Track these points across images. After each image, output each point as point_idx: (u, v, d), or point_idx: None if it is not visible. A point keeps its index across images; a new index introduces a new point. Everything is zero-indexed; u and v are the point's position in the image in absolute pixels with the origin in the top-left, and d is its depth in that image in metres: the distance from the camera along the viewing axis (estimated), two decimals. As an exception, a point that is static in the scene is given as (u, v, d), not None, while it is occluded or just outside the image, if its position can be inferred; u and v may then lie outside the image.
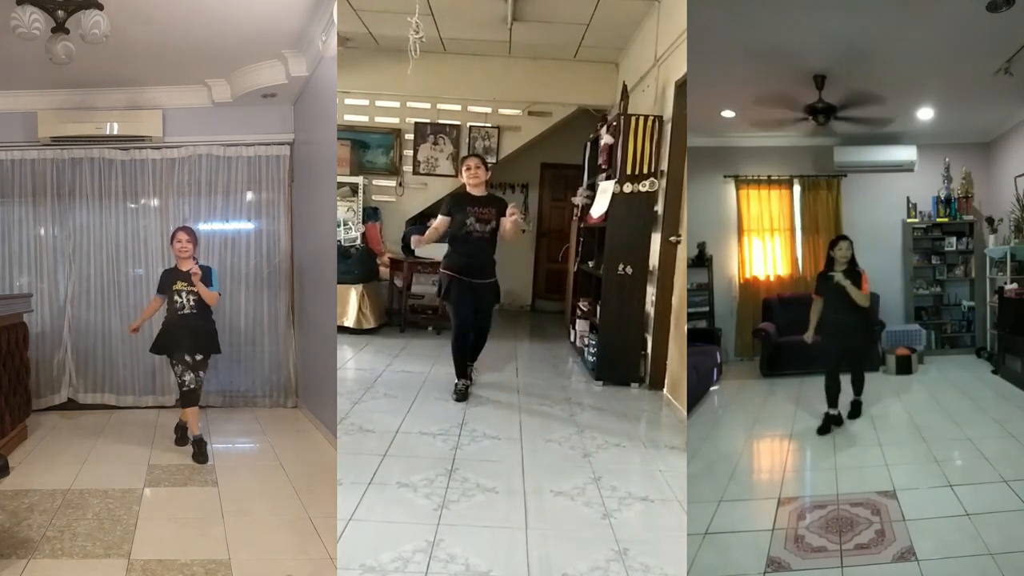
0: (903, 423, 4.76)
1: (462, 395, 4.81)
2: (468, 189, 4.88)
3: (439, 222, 4.80)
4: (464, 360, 4.94)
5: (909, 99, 6.15)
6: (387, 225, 7.68)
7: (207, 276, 4.49)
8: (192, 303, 4.47)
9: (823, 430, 4.54)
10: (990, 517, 3.04)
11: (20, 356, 4.86)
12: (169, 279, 4.55)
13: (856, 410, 4.83)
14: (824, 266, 4.80)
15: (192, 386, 4.47)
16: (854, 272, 4.59)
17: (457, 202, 4.84)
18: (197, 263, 4.52)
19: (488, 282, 4.88)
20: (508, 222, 4.72)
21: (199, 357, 4.50)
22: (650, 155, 5.27)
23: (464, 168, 4.89)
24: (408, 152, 7.86)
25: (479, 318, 4.92)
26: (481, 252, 4.80)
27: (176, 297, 4.50)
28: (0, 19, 3.61)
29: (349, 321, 6.86)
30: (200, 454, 4.36)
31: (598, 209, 5.62)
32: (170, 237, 4.69)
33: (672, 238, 5.20)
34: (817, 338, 4.75)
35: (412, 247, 4.93)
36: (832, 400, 4.62)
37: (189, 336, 4.49)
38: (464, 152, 7.65)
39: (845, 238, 4.72)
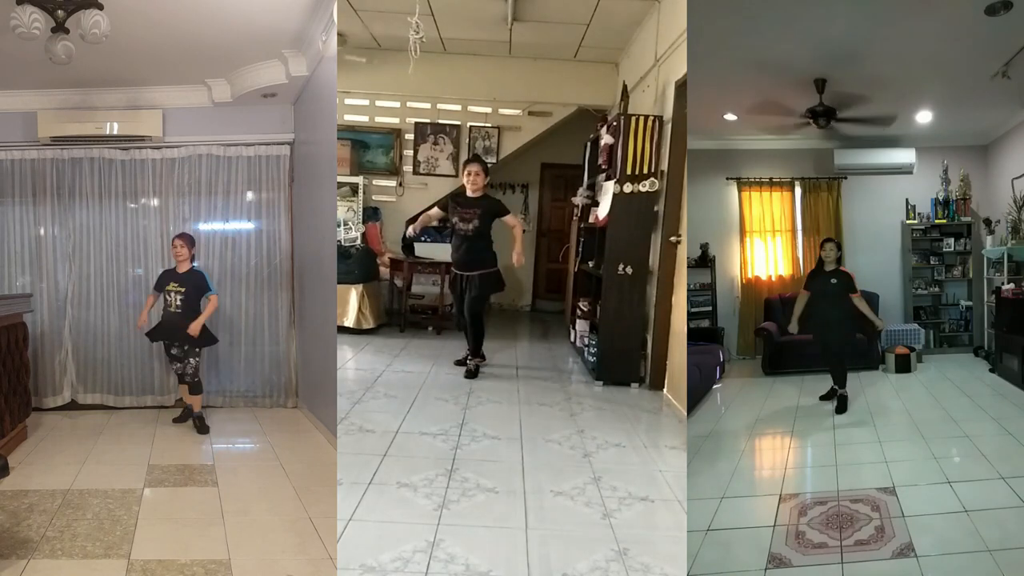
0: (902, 421, 4.78)
1: (471, 373, 5.41)
2: (467, 192, 5.47)
3: (432, 211, 5.68)
4: (467, 338, 5.61)
5: (908, 102, 6.17)
6: (387, 225, 7.69)
7: (201, 281, 5.12)
8: (179, 303, 5.10)
9: (829, 396, 5.25)
10: (988, 513, 3.05)
11: (20, 356, 4.85)
12: (164, 279, 5.21)
13: (842, 404, 5.07)
14: (816, 265, 5.39)
15: (191, 373, 5.13)
16: (842, 273, 5.18)
17: (452, 201, 5.51)
18: (194, 266, 5.20)
19: (475, 273, 5.43)
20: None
21: (186, 347, 5.11)
22: (650, 155, 5.27)
23: (465, 173, 5.48)
24: (408, 152, 7.86)
25: (469, 303, 5.49)
26: (468, 247, 5.40)
27: (167, 296, 5.15)
28: (0, 19, 3.62)
29: (349, 321, 6.86)
30: (202, 427, 5.04)
31: (603, 210, 5.62)
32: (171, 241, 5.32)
33: (672, 238, 5.20)
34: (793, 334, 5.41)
35: (408, 235, 5.73)
36: (838, 380, 5.17)
37: (178, 331, 5.08)
38: (464, 152, 7.67)
39: (831, 240, 5.32)
